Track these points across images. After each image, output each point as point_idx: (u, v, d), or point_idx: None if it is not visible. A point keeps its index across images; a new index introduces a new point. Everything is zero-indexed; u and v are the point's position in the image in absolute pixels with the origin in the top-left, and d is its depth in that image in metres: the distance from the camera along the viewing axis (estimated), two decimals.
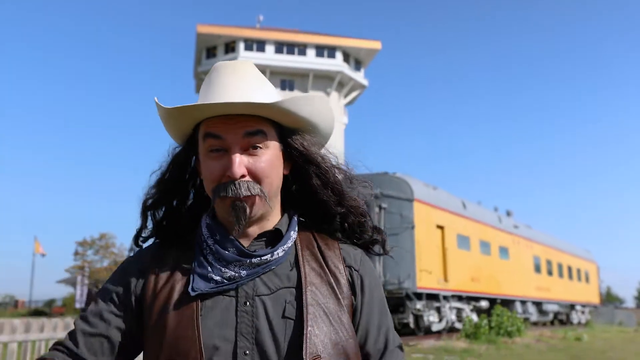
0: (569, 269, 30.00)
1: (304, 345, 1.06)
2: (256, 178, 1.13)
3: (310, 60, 56.66)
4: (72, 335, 1.16)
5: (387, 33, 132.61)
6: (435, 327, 16.73)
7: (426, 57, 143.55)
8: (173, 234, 1.23)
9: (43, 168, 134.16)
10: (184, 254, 1.18)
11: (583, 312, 32.65)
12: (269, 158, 1.15)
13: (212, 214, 1.20)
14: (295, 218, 1.23)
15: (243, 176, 1.11)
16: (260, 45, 56.15)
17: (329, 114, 1.27)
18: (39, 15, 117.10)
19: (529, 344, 16.81)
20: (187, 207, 1.27)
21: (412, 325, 15.81)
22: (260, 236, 1.18)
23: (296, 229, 1.21)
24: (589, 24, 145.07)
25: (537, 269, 25.01)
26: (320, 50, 57.65)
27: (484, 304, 19.46)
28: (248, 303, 1.11)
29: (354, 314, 1.18)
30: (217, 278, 1.11)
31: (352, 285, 1.19)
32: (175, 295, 1.11)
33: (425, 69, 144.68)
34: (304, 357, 1.05)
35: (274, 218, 1.20)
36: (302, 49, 57.17)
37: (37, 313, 42.03)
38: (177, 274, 1.15)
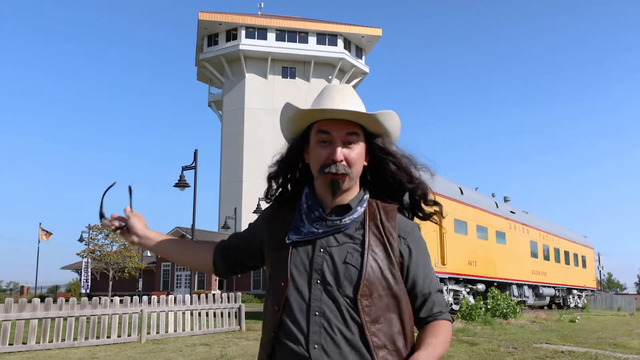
0: (566, 254, 30.47)
1: (360, 284, 1.53)
2: (349, 163, 1.60)
3: (311, 48, 56.70)
4: (230, 237, 1.87)
5: (388, 21, 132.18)
6: None
7: (426, 46, 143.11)
8: (284, 198, 1.77)
9: (46, 155, 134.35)
10: (289, 212, 1.71)
11: (580, 297, 33.18)
12: (359, 151, 1.63)
13: (311, 187, 1.70)
14: (366, 197, 1.68)
15: (341, 161, 1.59)
16: (262, 32, 56.17)
17: (399, 126, 1.71)
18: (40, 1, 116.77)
19: (524, 325, 17.32)
20: (294, 181, 1.78)
21: None
22: (336, 208, 1.64)
23: (364, 205, 1.66)
24: (585, 17, 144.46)
25: (534, 253, 25.48)
26: (322, 37, 57.66)
27: (480, 286, 19.96)
28: (321, 250, 1.59)
29: (402, 269, 1.62)
30: (305, 231, 1.62)
31: (401, 250, 1.63)
32: (279, 240, 1.65)
33: (425, 57, 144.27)
34: (360, 283, 1.53)
35: (353, 193, 1.66)
36: (303, 36, 57.19)
37: (42, 299, 42.64)
38: (283, 225, 1.68)
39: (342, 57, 57.01)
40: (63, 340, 10.40)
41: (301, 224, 1.63)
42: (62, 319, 10.49)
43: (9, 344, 9.63)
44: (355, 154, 1.61)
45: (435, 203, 1.76)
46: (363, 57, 61.71)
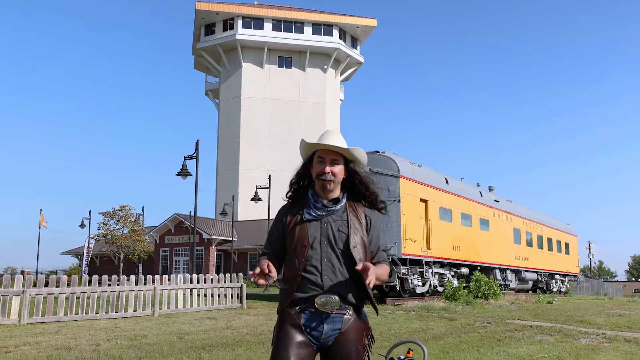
0: (549, 240, 31.93)
1: (350, 241, 2.69)
2: (333, 174, 2.75)
3: (307, 38, 57.64)
4: (268, 240, 2.89)
5: (383, 11, 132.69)
6: (419, 290, 18.62)
7: (420, 36, 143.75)
8: (298, 195, 2.92)
9: (48, 142, 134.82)
10: (302, 205, 2.84)
11: (563, 282, 34.70)
12: (340, 168, 2.79)
13: (313, 188, 2.86)
14: (345, 195, 2.85)
15: (329, 172, 2.74)
16: (258, 22, 57.04)
17: (365, 157, 2.89)
18: None
19: (502, 305, 18.73)
20: (304, 185, 2.93)
21: (398, 287, 17.69)
22: (330, 200, 2.80)
23: (345, 199, 2.83)
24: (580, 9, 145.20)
25: (517, 240, 26.91)
26: (317, 27, 58.58)
27: (464, 270, 21.35)
28: (325, 225, 2.73)
29: (368, 233, 2.79)
30: (314, 214, 2.75)
31: (367, 223, 2.81)
32: (298, 220, 2.77)
33: (419, 47, 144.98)
34: (350, 246, 2.68)
35: (336, 192, 2.82)
36: (299, 26, 58.10)
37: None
38: (299, 212, 2.80)
39: (337, 47, 58.00)
40: (87, 313, 11.74)
41: (311, 210, 2.80)
42: (86, 295, 11.83)
43: (42, 315, 10.95)
44: (337, 169, 2.79)
45: (383, 202, 3.04)
46: (358, 47, 62.70)
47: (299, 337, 2.62)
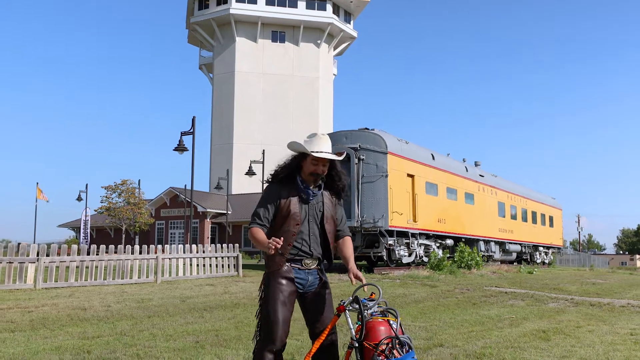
0: (533, 214, 33.08)
1: (323, 216, 3.70)
2: (323, 173, 3.67)
3: (301, 12, 57.83)
4: (259, 215, 3.67)
5: None
6: (405, 260, 19.69)
7: (414, 10, 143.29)
8: (286, 179, 3.71)
9: (47, 115, 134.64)
10: (292, 188, 3.67)
11: (547, 254, 36.00)
12: (327, 167, 3.68)
13: (301, 176, 3.70)
14: (323, 185, 3.75)
15: (322, 173, 3.66)
16: None
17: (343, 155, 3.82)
18: None
19: (484, 275, 19.83)
20: (291, 172, 3.72)
21: (385, 258, 18.73)
22: (315, 187, 3.70)
23: (322, 187, 3.74)
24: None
25: (501, 213, 28.02)
26: (311, 1, 58.68)
27: (449, 241, 22.44)
28: (311, 207, 3.67)
29: (335, 212, 3.77)
30: (303, 196, 3.65)
31: (334, 204, 3.78)
32: (291, 201, 3.63)
33: (412, 22, 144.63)
34: (324, 219, 3.70)
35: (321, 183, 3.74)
36: (293, 0, 58.28)
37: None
38: (290, 193, 3.65)
39: (330, 22, 58.26)
40: (95, 279, 12.73)
41: (301, 193, 3.66)
42: (94, 263, 12.80)
43: (55, 281, 11.93)
44: (325, 168, 3.69)
45: (345, 192, 3.96)
46: (352, 22, 62.95)
47: (288, 285, 3.60)
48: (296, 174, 3.74)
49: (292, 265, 3.61)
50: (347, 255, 3.76)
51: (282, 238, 3.44)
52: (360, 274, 3.62)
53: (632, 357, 6.03)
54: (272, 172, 3.83)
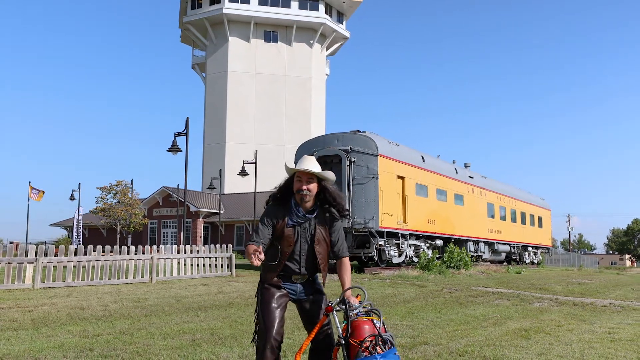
0: (522, 214, 33.55)
1: (314, 238, 3.91)
2: (309, 190, 3.85)
3: (293, 12, 58.11)
4: (257, 232, 3.90)
5: None
6: (395, 260, 20.05)
7: (406, 11, 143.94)
8: (282, 201, 3.97)
9: (39, 113, 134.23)
10: (285, 210, 3.91)
11: (535, 254, 36.48)
12: (314, 185, 3.89)
13: (294, 198, 3.93)
14: (318, 204, 3.96)
15: (305, 188, 3.84)
16: None
17: (333, 178, 3.98)
18: None
19: (472, 275, 20.24)
20: (286, 194, 3.98)
21: (376, 258, 19.08)
22: (308, 210, 3.90)
23: (317, 208, 3.94)
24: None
25: (491, 214, 28.46)
26: (304, 1, 58.99)
27: (439, 242, 22.83)
28: (303, 230, 3.89)
29: (332, 234, 3.99)
30: (295, 220, 3.88)
31: (329, 226, 3.98)
32: (285, 223, 3.88)
33: (404, 23, 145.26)
34: (314, 241, 3.91)
35: (311, 203, 3.91)
36: (286, 0, 58.55)
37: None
38: (284, 217, 3.90)
39: (323, 22, 58.55)
40: (92, 279, 13.01)
41: (294, 217, 3.87)
42: (90, 263, 13.08)
43: (52, 281, 12.21)
44: (311, 186, 3.85)
45: (347, 210, 4.25)
46: (344, 22, 63.28)
47: (280, 291, 3.94)
48: (291, 196, 3.99)
49: (283, 281, 3.94)
50: (343, 280, 3.95)
51: (262, 251, 3.68)
52: (352, 300, 3.75)
53: (606, 354, 6.39)
54: (271, 194, 4.10)
